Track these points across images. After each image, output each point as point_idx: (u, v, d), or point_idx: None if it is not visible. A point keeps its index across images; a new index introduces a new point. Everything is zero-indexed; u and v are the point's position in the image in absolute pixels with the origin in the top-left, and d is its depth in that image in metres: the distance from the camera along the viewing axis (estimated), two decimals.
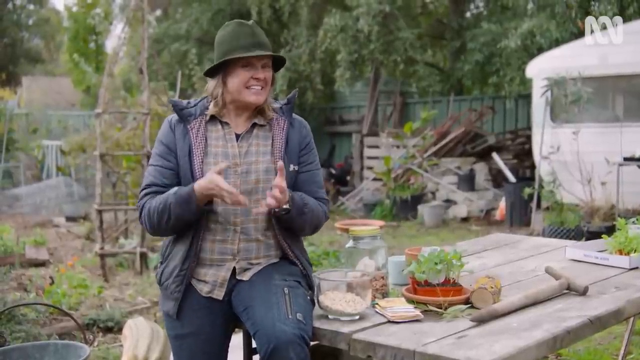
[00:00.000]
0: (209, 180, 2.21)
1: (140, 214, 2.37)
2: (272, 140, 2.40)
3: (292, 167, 2.38)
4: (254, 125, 2.41)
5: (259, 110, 2.42)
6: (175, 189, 2.29)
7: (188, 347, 2.36)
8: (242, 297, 2.28)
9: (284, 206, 2.27)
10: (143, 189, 2.39)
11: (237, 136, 2.40)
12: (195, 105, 2.43)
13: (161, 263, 2.43)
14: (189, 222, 2.30)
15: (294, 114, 2.49)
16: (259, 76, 2.34)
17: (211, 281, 2.34)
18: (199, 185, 2.23)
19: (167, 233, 2.38)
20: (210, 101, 2.41)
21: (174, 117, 2.44)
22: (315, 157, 2.50)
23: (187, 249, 2.32)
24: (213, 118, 2.41)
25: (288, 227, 2.37)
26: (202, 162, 2.33)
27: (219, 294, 2.33)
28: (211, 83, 2.40)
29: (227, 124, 2.41)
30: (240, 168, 2.34)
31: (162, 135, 2.42)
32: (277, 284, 2.25)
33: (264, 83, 2.36)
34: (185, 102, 2.47)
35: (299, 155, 2.43)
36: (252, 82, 2.34)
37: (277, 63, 2.45)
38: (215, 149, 2.36)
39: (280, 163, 2.28)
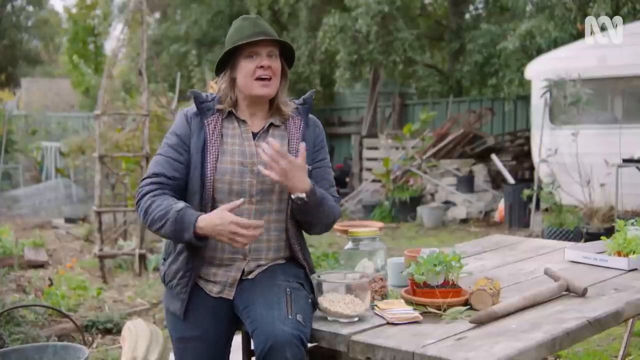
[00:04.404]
0: (219, 216, 2.14)
1: (139, 202, 2.28)
2: (288, 140, 2.36)
3: (306, 167, 2.35)
4: (270, 125, 2.38)
5: (275, 109, 2.38)
6: (182, 204, 2.19)
7: (193, 351, 2.33)
8: (244, 295, 2.27)
9: (301, 195, 2.23)
10: (148, 177, 2.30)
11: (254, 135, 2.36)
12: (212, 100, 2.37)
13: (164, 259, 2.40)
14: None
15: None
16: (264, 64, 2.27)
17: (221, 281, 2.32)
18: (205, 220, 2.15)
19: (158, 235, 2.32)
20: (220, 98, 2.37)
21: (190, 109, 2.38)
22: (326, 155, 2.47)
23: (192, 249, 2.28)
24: (230, 115, 2.36)
25: (304, 219, 2.33)
26: (216, 160, 2.28)
27: (230, 294, 2.31)
28: (219, 81, 2.36)
29: (244, 122, 2.36)
30: (257, 168, 2.30)
31: (177, 128, 2.35)
32: (279, 284, 2.24)
33: (271, 72, 2.29)
34: (204, 94, 2.40)
35: (312, 152, 2.40)
36: (259, 71, 2.27)
37: (288, 57, 2.40)
38: (232, 147, 2.32)
39: (303, 144, 2.25)
